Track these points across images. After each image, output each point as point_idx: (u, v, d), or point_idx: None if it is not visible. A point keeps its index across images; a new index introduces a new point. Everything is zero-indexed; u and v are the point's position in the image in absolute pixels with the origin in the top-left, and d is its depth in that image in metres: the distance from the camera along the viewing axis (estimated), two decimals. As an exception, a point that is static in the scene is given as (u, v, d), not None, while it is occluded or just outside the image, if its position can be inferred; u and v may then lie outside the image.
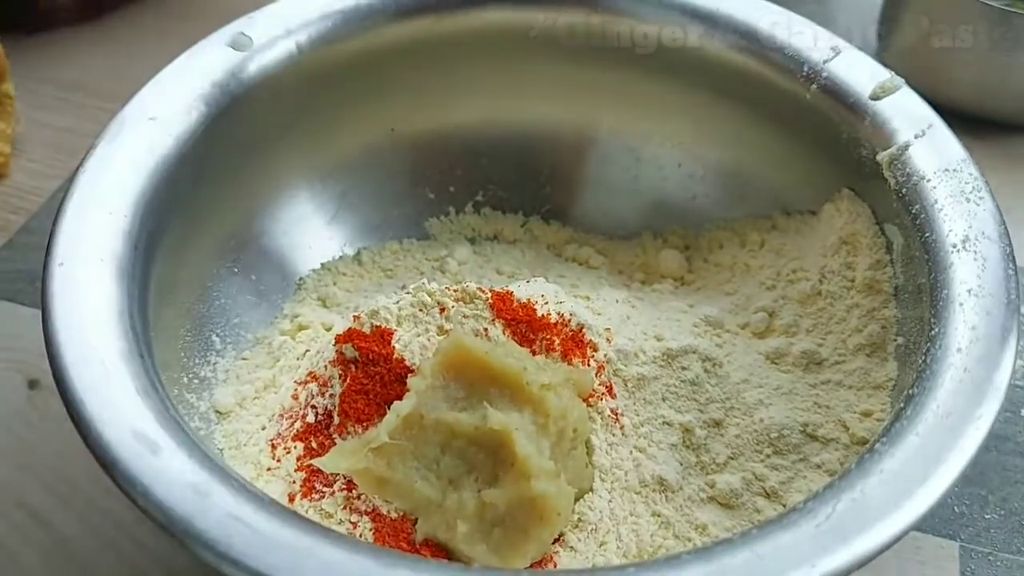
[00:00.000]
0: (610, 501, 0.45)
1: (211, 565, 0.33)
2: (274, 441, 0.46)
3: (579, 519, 0.44)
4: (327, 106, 0.56)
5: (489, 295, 0.48)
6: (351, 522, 0.43)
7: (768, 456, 0.47)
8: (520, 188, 0.62)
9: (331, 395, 0.46)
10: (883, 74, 0.51)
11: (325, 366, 0.47)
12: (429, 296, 0.49)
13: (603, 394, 0.47)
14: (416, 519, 0.43)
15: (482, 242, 0.61)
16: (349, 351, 0.47)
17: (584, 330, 0.48)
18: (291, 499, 0.44)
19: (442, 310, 0.48)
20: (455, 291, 0.49)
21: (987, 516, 0.51)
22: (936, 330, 0.41)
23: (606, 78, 0.59)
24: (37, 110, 0.71)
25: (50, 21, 0.78)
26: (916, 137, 0.48)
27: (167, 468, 0.35)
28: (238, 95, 0.50)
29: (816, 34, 0.54)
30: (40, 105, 0.72)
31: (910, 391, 0.40)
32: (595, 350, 0.48)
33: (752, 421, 0.48)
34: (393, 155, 0.60)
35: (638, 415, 0.47)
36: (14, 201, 0.66)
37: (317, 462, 0.43)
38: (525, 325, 0.48)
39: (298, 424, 0.46)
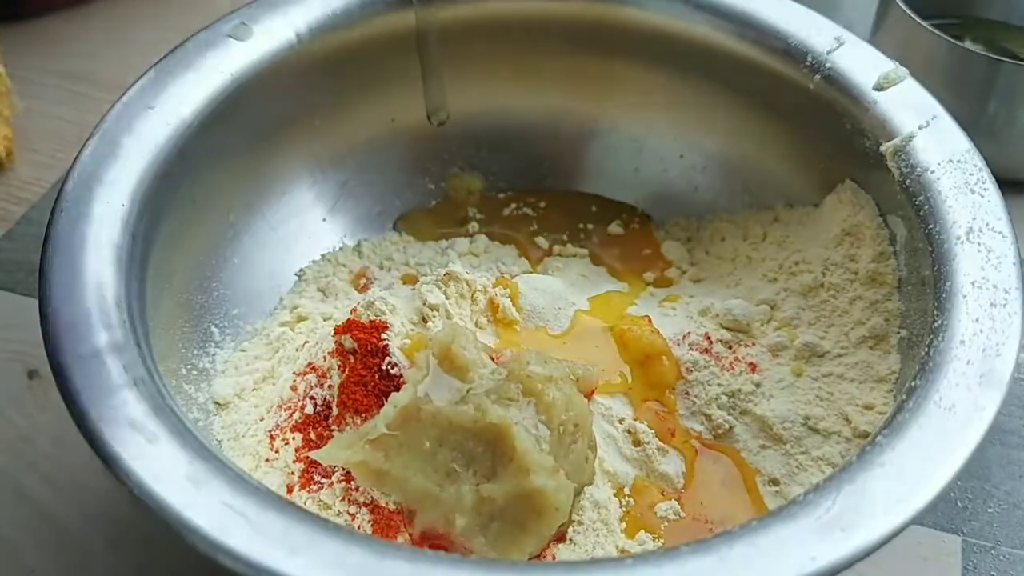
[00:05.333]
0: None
1: (207, 555, 0.32)
2: (272, 432, 0.46)
3: (579, 512, 0.44)
4: (327, 96, 0.55)
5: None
6: (349, 513, 0.43)
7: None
8: (521, 179, 0.62)
9: (330, 386, 0.46)
10: (887, 64, 0.51)
11: (324, 357, 0.47)
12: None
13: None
14: (415, 511, 0.43)
15: (483, 234, 0.61)
16: (348, 342, 0.47)
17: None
18: (289, 490, 0.44)
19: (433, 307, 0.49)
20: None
21: (990, 510, 0.51)
22: (939, 322, 0.41)
23: (608, 69, 0.58)
24: (38, 100, 0.71)
25: (45, 6, 0.78)
26: (920, 128, 0.48)
27: (162, 458, 0.34)
28: (237, 85, 0.50)
29: (819, 24, 0.53)
30: (41, 95, 0.72)
31: (912, 383, 0.39)
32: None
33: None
34: (393, 145, 0.59)
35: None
36: (15, 192, 0.66)
37: (314, 455, 0.43)
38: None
39: (296, 415, 0.46)
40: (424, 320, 0.49)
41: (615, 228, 0.60)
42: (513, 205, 0.61)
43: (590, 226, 0.60)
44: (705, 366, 0.50)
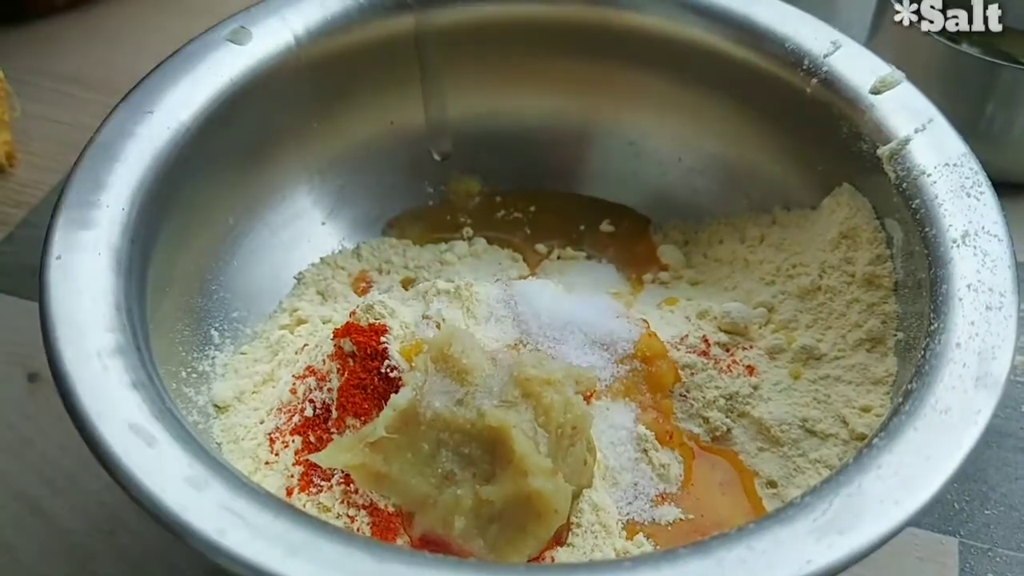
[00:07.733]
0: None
1: (206, 558, 0.33)
2: (272, 435, 0.46)
3: (577, 515, 0.44)
4: (325, 99, 0.55)
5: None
6: (348, 516, 0.43)
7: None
8: (520, 182, 0.62)
9: (329, 389, 0.46)
10: (883, 68, 0.51)
11: (323, 360, 0.47)
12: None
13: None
14: (414, 513, 0.43)
15: (481, 237, 0.61)
16: (347, 345, 0.47)
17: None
18: (288, 493, 0.44)
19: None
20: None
21: (987, 512, 0.51)
22: (936, 325, 0.41)
23: (606, 72, 0.59)
24: (37, 104, 0.71)
25: (43, 9, 0.78)
26: (916, 131, 0.48)
27: (162, 461, 0.35)
28: (236, 88, 0.50)
29: (816, 28, 0.53)
30: (40, 99, 0.72)
31: (909, 386, 0.40)
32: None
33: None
34: (392, 148, 0.59)
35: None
36: (15, 195, 0.66)
37: (314, 458, 0.43)
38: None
39: (296, 418, 0.46)
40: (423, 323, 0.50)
41: (606, 227, 0.60)
42: (503, 211, 0.61)
43: (582, 227, 0.60)
44: (703, 369, 0.50)
